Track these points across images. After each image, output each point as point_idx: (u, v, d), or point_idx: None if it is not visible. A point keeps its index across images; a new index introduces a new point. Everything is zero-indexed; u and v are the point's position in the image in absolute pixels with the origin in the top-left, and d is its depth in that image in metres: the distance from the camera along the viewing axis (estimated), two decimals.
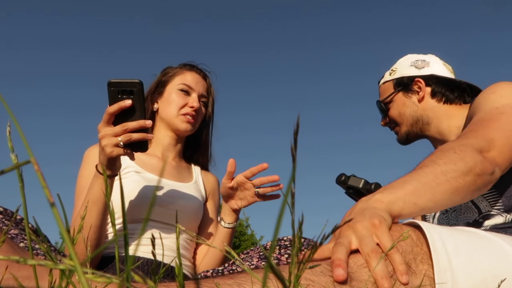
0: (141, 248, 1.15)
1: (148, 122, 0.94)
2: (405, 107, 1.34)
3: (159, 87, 1.33)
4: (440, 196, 0.74)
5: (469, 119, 1.12)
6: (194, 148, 1.43)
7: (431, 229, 0.64)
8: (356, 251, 0.60)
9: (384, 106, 1.39)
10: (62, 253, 1.04)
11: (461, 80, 1.32)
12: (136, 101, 0.94)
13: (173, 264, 1.16)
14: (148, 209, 0.19)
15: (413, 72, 1.35)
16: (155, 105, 1.33)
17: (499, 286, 0.58)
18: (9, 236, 0.85)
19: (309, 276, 0.54)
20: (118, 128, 0.93)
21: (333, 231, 0.33)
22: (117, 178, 1.04)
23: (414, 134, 1.35)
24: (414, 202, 0.71)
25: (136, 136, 0.93)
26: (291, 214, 0.26)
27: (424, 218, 1.35)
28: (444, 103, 1.30)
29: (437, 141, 1.33)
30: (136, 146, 0.96)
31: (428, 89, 1.32)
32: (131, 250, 1.15)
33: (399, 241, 0.61)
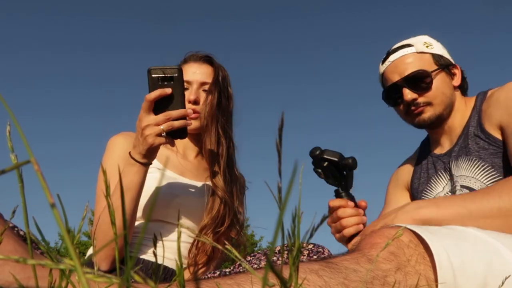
0: (149, 251, 1.14)
1: (189, 111, 0.95)
2: (448, 88, 1.23)
3: None
4: (486, 228, 0.73)
5: (493, 118, 1.11)
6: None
7: (435, 241, 0.64)
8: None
9: (430, 79, 1.21)
10: (82, 253, 1.03)
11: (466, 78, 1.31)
12: (176, 88, 0.95)
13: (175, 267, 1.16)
14: (149, 210, 0.18)
15: (447, 55, 1.27)
16: None
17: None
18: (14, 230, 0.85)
19: (306, 276, 0.55)
20: (161, 117, 0.93)
21: (322, 221, 0.33)
22: (150, 171, 1.04)
23: (441, 120, 1.24)
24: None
25: (177, 124, 0.94)
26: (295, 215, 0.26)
27: (416, 191, 1.33)
28: (463, 96, 1.28)
29: (445, 133, 1.28)
30: (177, 134, 0.97)
31: (460, 79, 1.27)
32: (147, 255, 1.15)
33: (394, 238, 0.62)
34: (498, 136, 1.12)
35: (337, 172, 1.04)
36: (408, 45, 1.25)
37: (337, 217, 1.00)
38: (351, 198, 1.02)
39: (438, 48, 1.27)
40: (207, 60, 1.26)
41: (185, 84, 1.20)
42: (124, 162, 1.07)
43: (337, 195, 1.03)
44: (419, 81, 1.20)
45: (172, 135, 0.97)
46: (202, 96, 1.21)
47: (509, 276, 0.59)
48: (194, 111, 1.18)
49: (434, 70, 1.22)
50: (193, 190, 1.22)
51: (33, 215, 0.34)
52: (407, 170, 1.41)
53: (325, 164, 1.03)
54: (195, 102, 1.19)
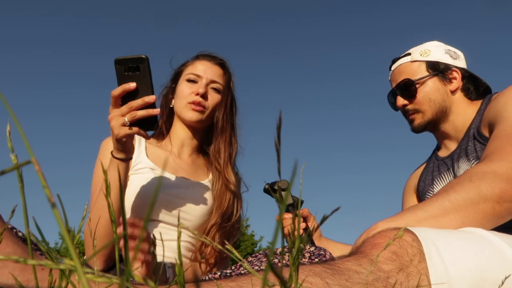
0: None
1: (152, 98, 0.93)
2: (438, 93, 1.28)
3: (172, 84, 1.31)
4: (445, 226, 0.73)
5: (487, 121, 1.12)
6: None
7: (424, 235, 0.64)
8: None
9: (414, 87, 1.29)
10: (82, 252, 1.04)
11: (484, 81, 1.32)
12: (142, 78, 0.94)
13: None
14: (148, 210, 0.18)
15: (448, 60, 1.31)
16: (172, 102, 1.30)
17: None
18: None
19: (308, 278, 0.55)
20: (124, 107, 0.93)
21: (322, 222, 0.33)
22: (130, 173, 1.05)
23: (433, 124, 1.30)
24: None
25: (141, 113, 0.93)
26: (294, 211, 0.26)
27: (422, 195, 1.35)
28: (467, 99, 1.30)
29: (447, 136, 1.31)
30: (145, 124, 0.96)
31: (461, 83, 1.30)
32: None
33: (395, 238, 0.62)
34: None
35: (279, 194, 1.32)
36: (407, 55, 1.35)
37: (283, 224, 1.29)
38: (293, 211, 1.30)
39: (437, 54, 1.32)
40: (220, 63, 1.30)
41: (194, 77, 1.25)
42: None
43: (286, 210, 1.34)
44: (406, 88, 1.30)
45: (140, 126, 0.96)
46: (210, 93, 1.25)
47: (509, 276, 0.59)
48: (200, 104, 1.21)
49: (423, 78, 1.29)
50: (188, 188, 1.22)
51: (33, 215, 0.34)
52: (416, 175, 1.45)
53: (274, 192, 1.29)
54: (203, 96, 1.22)
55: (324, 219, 0.31)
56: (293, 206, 1.31)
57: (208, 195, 1.24)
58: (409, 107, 1.30)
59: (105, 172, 0.36)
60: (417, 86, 1.29)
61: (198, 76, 1.24)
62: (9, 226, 0.92)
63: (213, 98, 1.24)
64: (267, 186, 1.34)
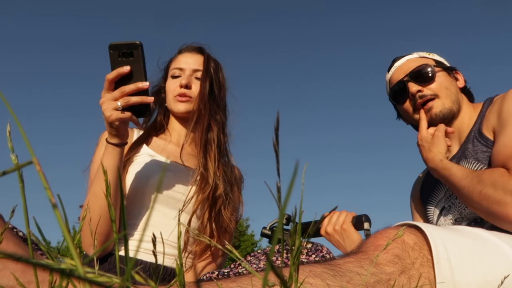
0: (144, 250, 1.13)
1: (145, 84, 0.94)
2: (452, 85, 1.26)
3: (162, 83, 1.32)
4: None
5: (489, 122, 1.14)
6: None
7: (436, 236, 0.64)
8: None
9: (433, 71, 1.24)
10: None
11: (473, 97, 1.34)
12: (136, 63, 0.94)
13: (174, 266, 1.14)
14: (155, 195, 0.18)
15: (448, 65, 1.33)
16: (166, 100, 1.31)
17: None
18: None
19: (309, 279, 0.55)
20: (117, 92, 0.94)
21: (321, 220, 0.33)
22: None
23: (452, 115, 1.24)
24: None
25: (134, 99, 0.94)
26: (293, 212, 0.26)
27: (426, 204, 1.35)
28: (469, 101, 1.31)
29: (453, 139, 1.29)
30: (138, 111, 0.96)
31: (464, 84, 1.31)
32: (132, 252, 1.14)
33: (395, 238, 0.62)
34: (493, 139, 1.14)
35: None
36: (411, 53, 1.35)
37: None
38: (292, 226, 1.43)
39: (437, 57, 1.34)
40: (199, 50, 1.30)
41: (178, 71, 1.26)
42: None
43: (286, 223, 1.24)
44: (423, 74, 1.24)
45: (133, 112, 0.96)
46: (195, 82, 1.25)
47: (508, 276, 0.59)
48: (185, 95, 1.22)
49: (437, 66, 1.28)
50: (175, 172, 1.19)
51: (33, 215, 0.34)
52: (419, 181, 1.45)
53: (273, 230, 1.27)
54: (187, 86, 1.23)
55: (323, 218, 0.31)
56: (289, 220, 1.22)
57: (189, 181, 1.20)
58: (426, 92, 1.23)
59: (105, 172, 0.36)
60: (436, 70, 1.25)
61: (180, 69, 1.26)
62: (9, 225, 0.91)
63: (197, 86, 1.24)
64: (264, 231, 1.32)
